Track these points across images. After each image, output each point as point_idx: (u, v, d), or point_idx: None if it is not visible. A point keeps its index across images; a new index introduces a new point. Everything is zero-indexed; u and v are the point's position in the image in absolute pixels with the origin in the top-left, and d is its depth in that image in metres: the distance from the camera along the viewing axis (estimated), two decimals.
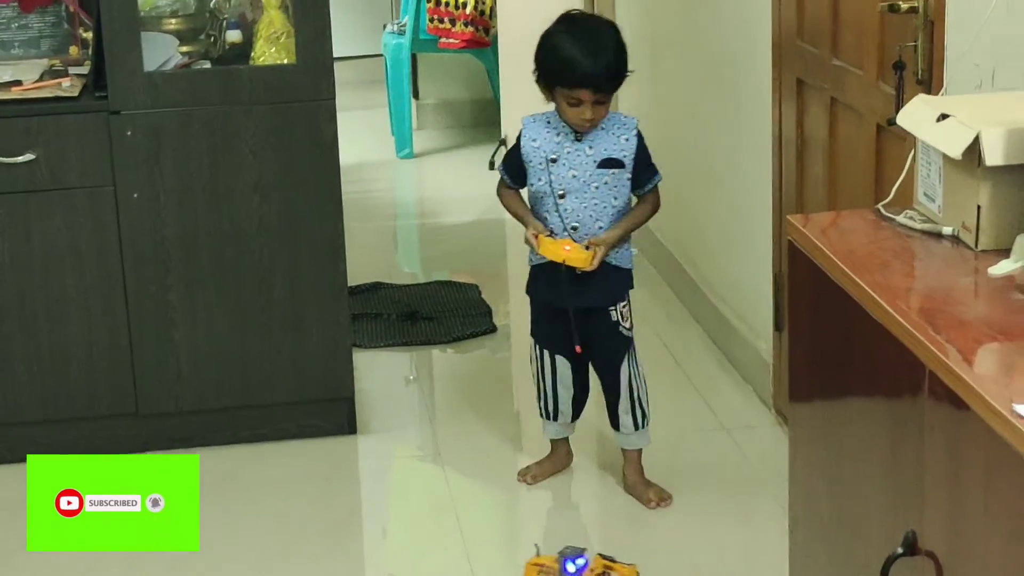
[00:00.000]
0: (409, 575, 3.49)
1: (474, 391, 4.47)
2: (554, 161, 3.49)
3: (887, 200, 2.36)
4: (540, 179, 3.52)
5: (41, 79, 3.91)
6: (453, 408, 4.35)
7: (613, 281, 3.58)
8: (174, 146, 3.81)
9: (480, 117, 7.57)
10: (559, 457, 3.81)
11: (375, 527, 3.75)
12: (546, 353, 3.69)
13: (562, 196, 3.50)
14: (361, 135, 7.33)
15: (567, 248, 3.46)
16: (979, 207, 2.12)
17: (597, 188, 3.49)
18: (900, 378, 1.94)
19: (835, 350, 2.22)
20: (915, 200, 2.32)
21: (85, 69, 3.98)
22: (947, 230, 2.21)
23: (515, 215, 3.64)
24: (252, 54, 3.92)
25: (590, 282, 3.52)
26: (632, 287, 3.67)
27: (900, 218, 2.30)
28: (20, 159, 3.75)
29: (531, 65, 3.52)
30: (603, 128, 3.49)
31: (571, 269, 3.48)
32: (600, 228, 3.51)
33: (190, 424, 4.01)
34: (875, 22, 3.23)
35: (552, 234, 3.51)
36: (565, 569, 3.23)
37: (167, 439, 3.99)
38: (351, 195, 4.80)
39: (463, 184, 6.67)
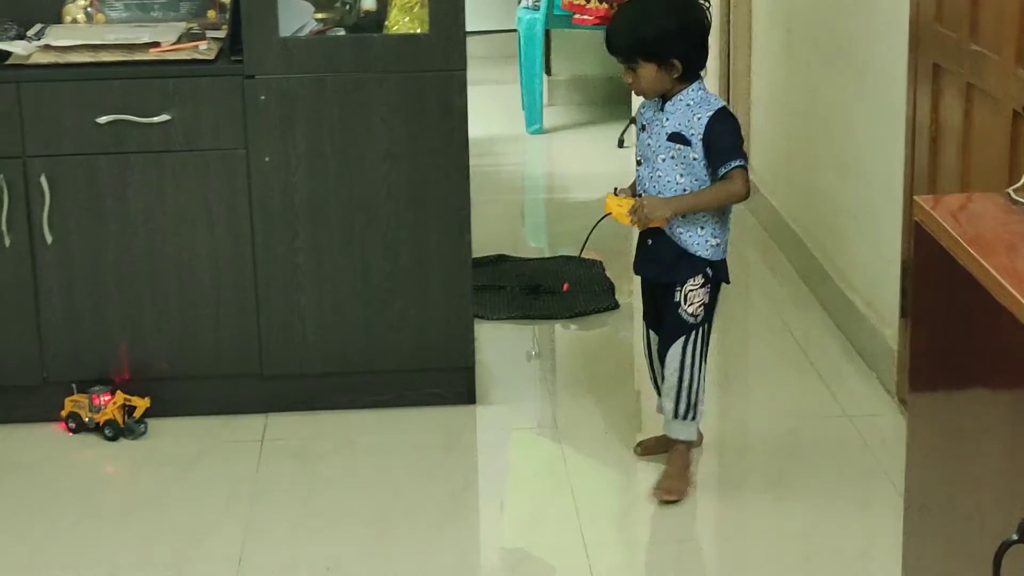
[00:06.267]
0: (522, 549, 3.50)
1: (594, 367, 4.47)
2: (644, 129, 3.59)
3: (1018, 184, 2.32)
4: (637, 144, 3.66)
5: (179, 41, 3.96)
6: (573, 383, 4.35)
7: (678, 262, 3.56)
8: (306, 112, 3.85)
9: (611, 95, 7.56)
10: None
11: (490, 499, 3.76)
12: (644, 325, 3.74)
13: (639, 163, 3.60)
14: (493, 109, 7.36)
15: (620, 205, 3.55)
16: None
17: (663, 160, 3.53)
18: (1023, 363, 1.90)
19: (958, 334, 2.19)
20: None
21: (222, 33, 4.04)
22: None
23: None
24: (386, 23, 3.95)
25: (656, 255, 3.59)
26: (708, 277, 3.56)
27: None
28: (155, 119, 3.82)
29: None
30: (687, 104, 3.51)
31: (642, 236, 3.60)
32: None
33: (313, 387, 4.05)
34: (1015, 5, 3.16)
35: (620, 193, 3.62)
36: (92, 402, 3.89)
37: (289, 400, 4.05)
38: (481, 168, 4.82)
39: (592, 161, 6.66)
